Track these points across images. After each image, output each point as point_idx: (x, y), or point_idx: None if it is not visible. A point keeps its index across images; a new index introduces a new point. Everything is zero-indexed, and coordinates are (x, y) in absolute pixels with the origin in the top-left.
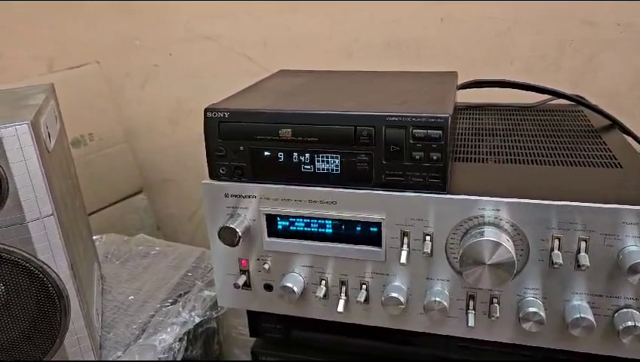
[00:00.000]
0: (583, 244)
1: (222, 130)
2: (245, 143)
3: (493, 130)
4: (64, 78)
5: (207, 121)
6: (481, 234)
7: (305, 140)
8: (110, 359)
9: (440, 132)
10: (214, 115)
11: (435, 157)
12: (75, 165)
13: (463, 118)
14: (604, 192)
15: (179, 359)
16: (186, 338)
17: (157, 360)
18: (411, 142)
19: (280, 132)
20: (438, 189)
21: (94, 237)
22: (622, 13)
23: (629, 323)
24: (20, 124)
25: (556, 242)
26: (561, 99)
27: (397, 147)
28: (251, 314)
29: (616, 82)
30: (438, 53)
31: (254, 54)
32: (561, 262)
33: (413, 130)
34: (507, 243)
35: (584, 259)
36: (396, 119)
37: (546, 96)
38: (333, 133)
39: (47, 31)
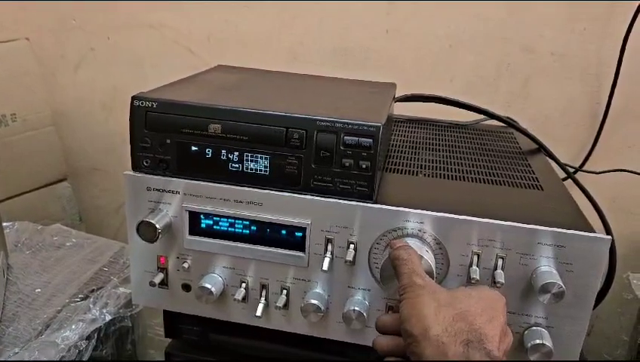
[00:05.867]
0: (500, 262)
1: (149, 120)
2: (172, 136)
3: (427, 145)
4: None
5: (133, 109)
6: None
7: (234, 138)
8: (5, 355)
9: (371, 140)
10: (142, 103)
11: (364, 166)
12: None
13: (399, 131)
14: (524, 213)
15: (85, 358)
16: (95, 336)
17: (60, 358)
18: (342, 148)
19: (209, 127)
20: (365, 198)
21: (5, 224)
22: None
23: (537, 341)
24: None
25: (475, 258)
26: (493, 120)
27: (327, 152)
28: (167, 314)
29: (547, 108)
30: (382, 63)
31: (197, 48)
32: (477, 278)
33: (345, 137)
34: (427, 255)
35: (500, 276)
36: (328, 124)
37: (480, 115)
38: (264, 133)
39: None
